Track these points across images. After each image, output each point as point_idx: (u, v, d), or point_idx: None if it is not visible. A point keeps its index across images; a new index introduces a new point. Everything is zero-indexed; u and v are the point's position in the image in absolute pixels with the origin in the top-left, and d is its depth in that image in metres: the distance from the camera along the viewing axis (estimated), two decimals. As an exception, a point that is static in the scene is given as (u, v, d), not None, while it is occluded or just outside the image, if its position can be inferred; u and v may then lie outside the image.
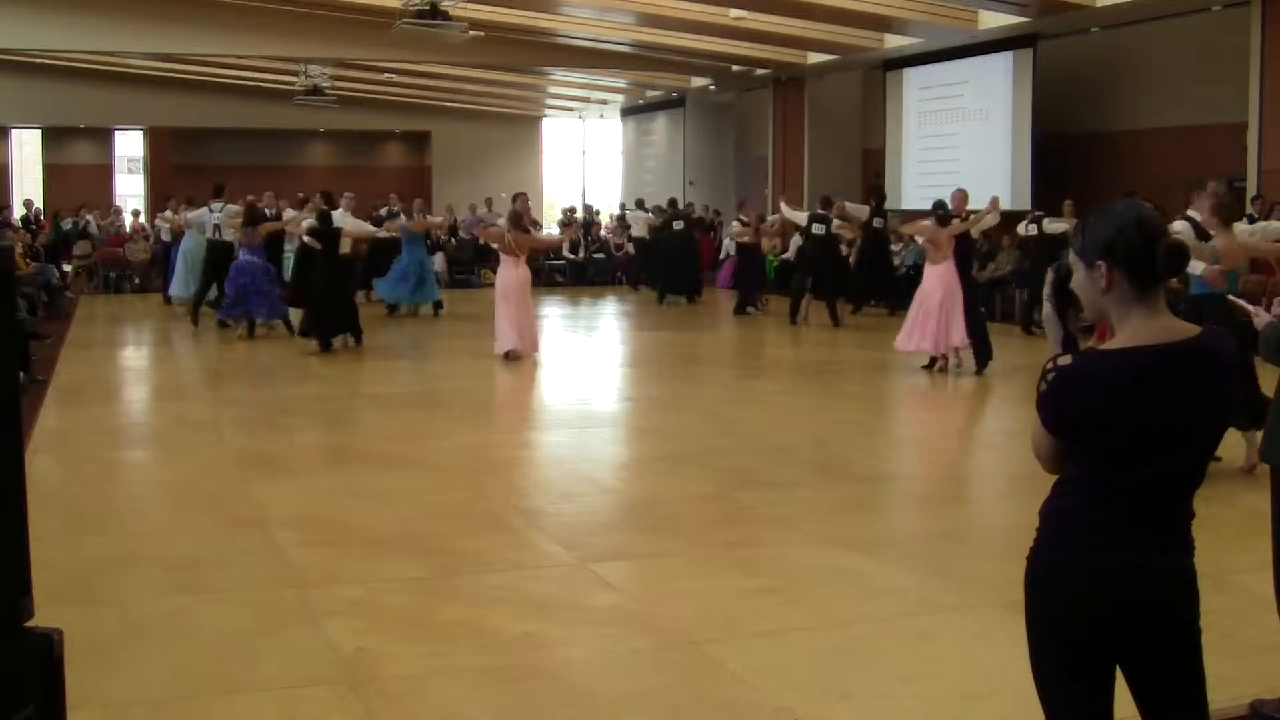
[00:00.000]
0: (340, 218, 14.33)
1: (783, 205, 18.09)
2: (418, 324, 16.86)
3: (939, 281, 11.72)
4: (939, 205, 12.05)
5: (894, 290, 17.87)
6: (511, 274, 12.78)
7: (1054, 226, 15.12)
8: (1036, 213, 15.71)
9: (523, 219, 13.17)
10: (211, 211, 15.94)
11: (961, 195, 12.27)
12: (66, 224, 24.15)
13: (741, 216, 19.24)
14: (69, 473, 7.74)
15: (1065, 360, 2.43)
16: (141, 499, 7.21)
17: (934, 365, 11.96)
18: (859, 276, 18.06)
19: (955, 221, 11.95)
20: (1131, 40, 17.95)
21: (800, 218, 17.34)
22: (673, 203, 22.22)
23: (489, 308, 17.79)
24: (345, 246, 13.84)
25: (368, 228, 15.29)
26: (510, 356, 12.59)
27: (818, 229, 16.68)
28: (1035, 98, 18.61)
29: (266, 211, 16.13)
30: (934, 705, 4.09)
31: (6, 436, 2.28)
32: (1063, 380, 2.41)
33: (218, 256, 15.51)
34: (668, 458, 8.14)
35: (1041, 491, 2.58)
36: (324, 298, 13.20)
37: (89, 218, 24.34)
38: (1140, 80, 18.20)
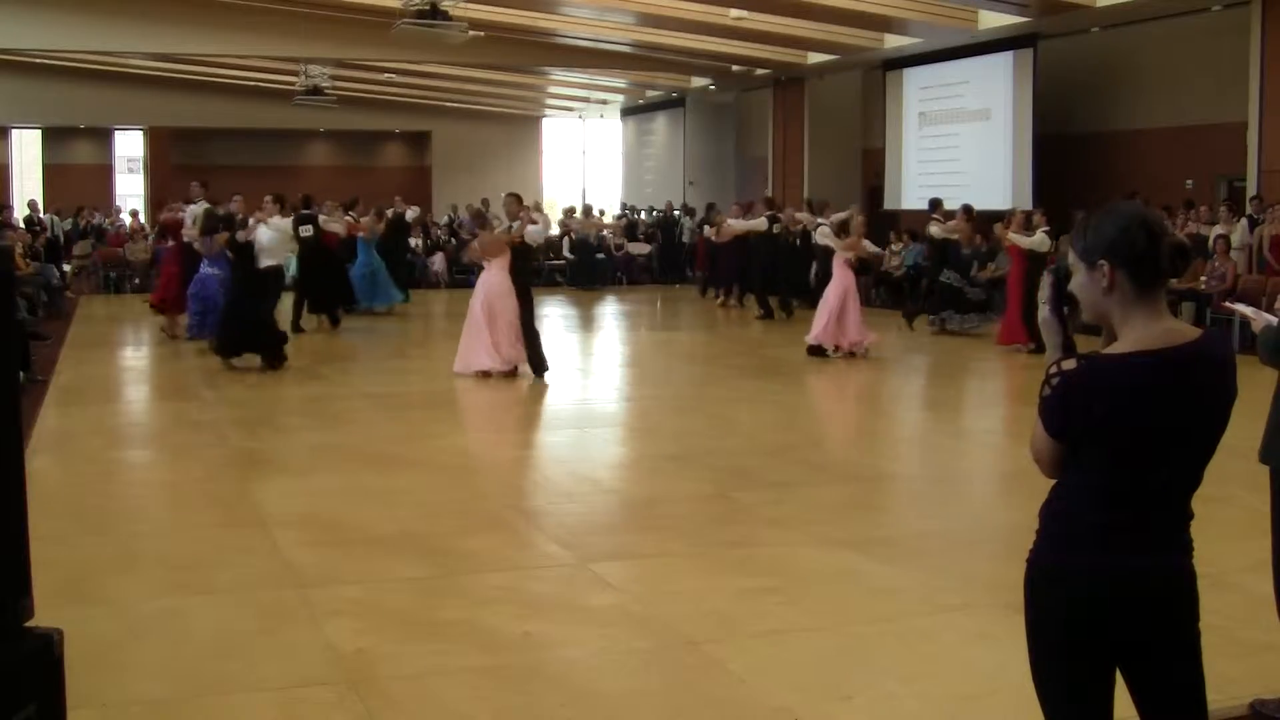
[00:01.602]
0: (261, 231, 12.60)
1: (730, 221, 18.20)
2: (416, 324, 16.86)
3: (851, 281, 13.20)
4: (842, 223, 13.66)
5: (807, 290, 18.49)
6: (485, 281, 11.33)
7: (938, 231, 15.30)
8: (935, 215, 15.80)
9: (484, 216, 12.05)
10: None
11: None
12: (66, 223, 24.17)
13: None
14: (69, 473, 7.74)
15: (1069, 365, 2.41)
16: (141, 499, 7.21)
17: (824, 353, 13.01)
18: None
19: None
20: (1131, 40, 17.97)
21: (758, 224, 17.73)
22: (710, 206, 22.88)
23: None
24: (276, 257, 12.39)
25: (286, 225, 13.29)
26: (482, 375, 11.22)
27: (778, 228, 17.54)
28: (1035, 98, 18.62)
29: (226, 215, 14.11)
30: (934, 705, 4.09)
31: (6, 436, 2.28)
32: (1067, 385, 2.40)
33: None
34: (668, 458, 8.14)
35: (1041, 491, 2.58)
36: (229, 312, 12.07)
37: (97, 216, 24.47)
38: (1140, 80, 18.21)
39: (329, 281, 15.76)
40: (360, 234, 17.19)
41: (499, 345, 11.21)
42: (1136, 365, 2.37)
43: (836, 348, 13.02)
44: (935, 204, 16.16)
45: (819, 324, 13.07)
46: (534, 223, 11.51)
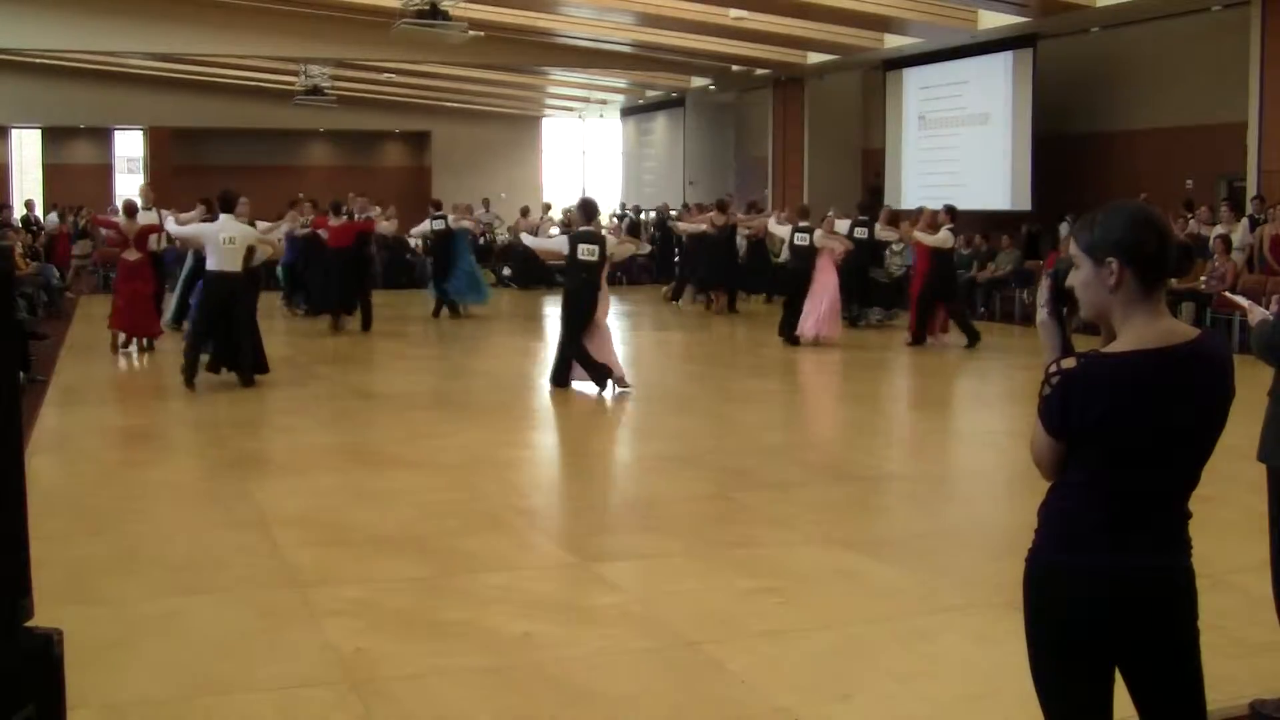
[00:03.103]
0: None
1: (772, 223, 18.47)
2: (416, 325, 16.86)
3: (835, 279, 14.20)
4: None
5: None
6: None
7: (886, 234, 15.78)
8: (862, 217, 16.11)
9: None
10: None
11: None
12: (53, 221, 24.18)
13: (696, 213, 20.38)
14: (69, 473, 7.74)
15: (1069, 363, 2.42)
16: (141, 499, 7.20)
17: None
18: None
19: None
20: (1131, 40, 17.96)
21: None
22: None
23: (492, 308, 17.86)
24: (226, 263, 10.67)
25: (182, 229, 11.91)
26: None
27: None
28: (1035, 98, 18.61)
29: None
30: (934, 705, 4.09)
31: (6, 436, 2.28)
32: (1067, 383, 2.40)
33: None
34: (668, 458, 8.14)
35: (1041, 491, 2.58)
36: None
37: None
38: (1140, 80, 18.20)
39: (325, 282, 15.72)
40: (471, 228, 17.72)
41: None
42: (1137, 363, 2.38)
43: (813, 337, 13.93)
44: (866, 207, 16.76)
45: (809, 318, 13.91)
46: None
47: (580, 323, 10.67)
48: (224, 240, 10.75)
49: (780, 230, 15.77)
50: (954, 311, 14.31)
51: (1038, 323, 2.65)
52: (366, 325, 15.39)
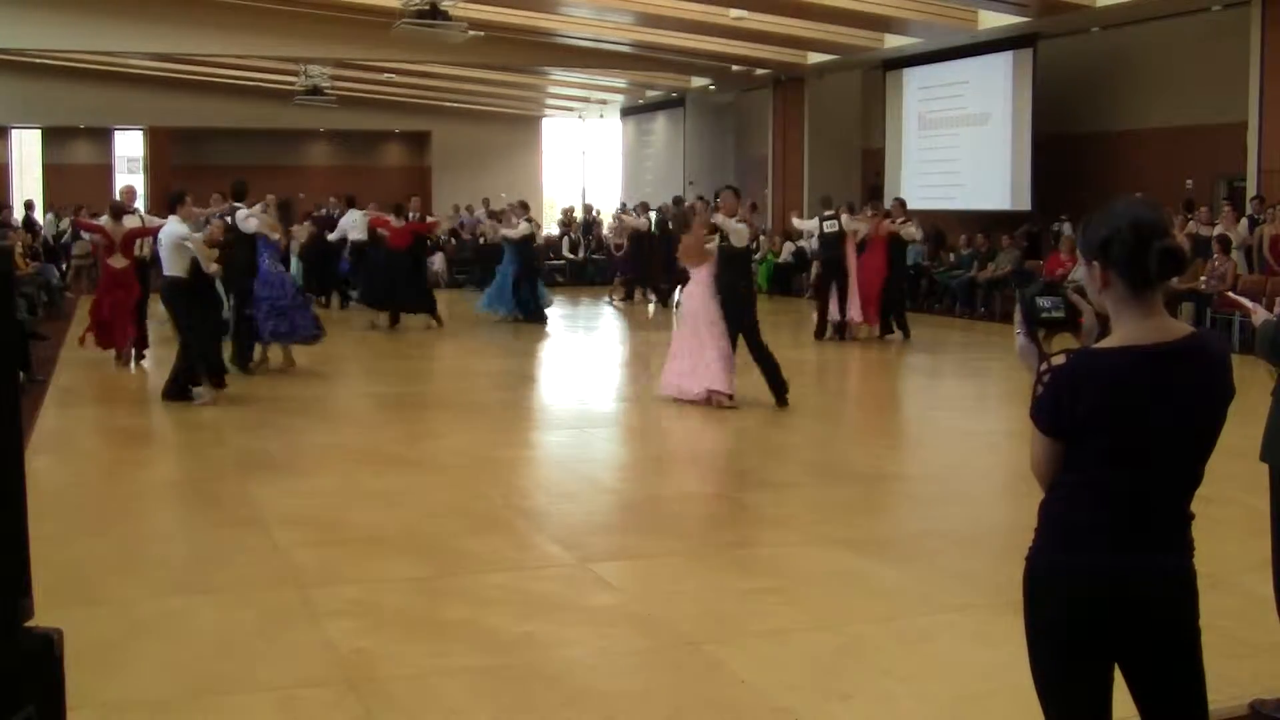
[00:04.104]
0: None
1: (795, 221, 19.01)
2: (416, 324, 16.85)
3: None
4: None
5: None
6: (687, 294, 10.18)
7: (854, 225, 16.16)
8: (828, 213, 16.47)
9: (687, 214, 10.71)
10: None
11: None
12: (63, 224, 24.17)
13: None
14: (69, 473, 7.74)
15: (1059, 359, 2.43)
16: (141, 499, 7.21)
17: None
18: None
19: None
20: (1131, 40, 17.97)
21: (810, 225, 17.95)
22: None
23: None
24: (175, 267, 10.03)
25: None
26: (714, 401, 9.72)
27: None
28: (1035, 98, 18.62)
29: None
30: (934, 705, 4.09)
31: (6, 436, 2.28)
32: (1058, 378, 2.41)
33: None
34: (668, 458, 8.14)
35: (1040, 491, 2.58)
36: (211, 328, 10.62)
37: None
38: (1140, 80, 18.21)
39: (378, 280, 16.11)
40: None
41: (706, 368, 9.72)
42: (1125, 359, 2.38)
43: (846, 326, 14.56)
44: (828, 201, 17.19)
45: (853, 306, 14.59)
46: (744, 221, 10.11)
47: (754, 316, 9.92)
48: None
49: (807, 224, 16.48)
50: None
51: (1017, 349, 2.66)
52: (433, 313, 16.05)
